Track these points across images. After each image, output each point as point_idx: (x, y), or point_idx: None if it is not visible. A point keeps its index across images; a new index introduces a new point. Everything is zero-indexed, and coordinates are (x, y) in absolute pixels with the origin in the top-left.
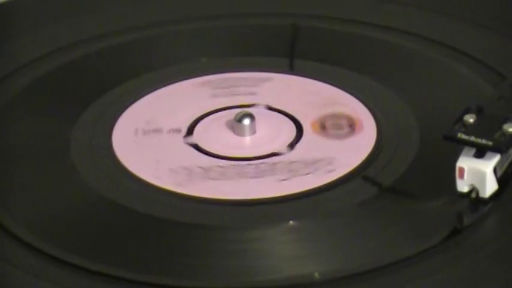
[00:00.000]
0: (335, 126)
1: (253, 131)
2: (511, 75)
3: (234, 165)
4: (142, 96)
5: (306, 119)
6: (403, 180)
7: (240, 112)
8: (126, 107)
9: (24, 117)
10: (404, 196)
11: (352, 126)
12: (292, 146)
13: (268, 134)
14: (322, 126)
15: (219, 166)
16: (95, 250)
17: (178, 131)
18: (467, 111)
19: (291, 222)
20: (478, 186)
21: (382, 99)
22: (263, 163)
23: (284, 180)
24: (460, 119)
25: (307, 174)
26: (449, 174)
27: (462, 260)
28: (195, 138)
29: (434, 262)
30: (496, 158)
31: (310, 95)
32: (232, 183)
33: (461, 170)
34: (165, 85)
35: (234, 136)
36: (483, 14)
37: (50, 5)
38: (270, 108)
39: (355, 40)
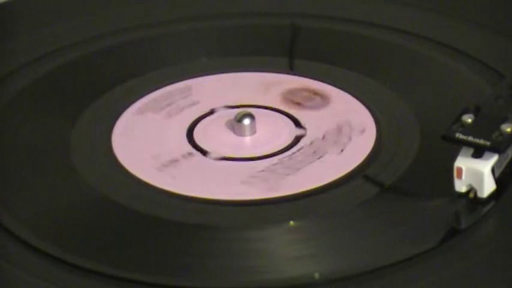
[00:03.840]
0: (305, 98)
1: (253, 131)
2: (510, 75)
3: (285, 157)
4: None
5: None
6: (403, 180)
7: (240, 112)
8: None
9: (24, 117)
10: (404, 196)
11: (317, 95)
12: (301, 127)
13: (270, 131)
14: (297, 103)
15: (275, 164)
16: (95, 250)
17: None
18: (466, 111)
19: (291, 222)
20: (476, 186)
21: (382, 99)
22: (302, 147)
23: (342, 151)
24: (458, 119)
25: (350, 139)
26: (449, 174)
27: (461, 260)
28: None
29: (433, 262)
30: (494, 158)
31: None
32: (306, 171)
33: (459, 170)
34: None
35: (236, 137)
36: (483, 14)
37: (50, 5)
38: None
39: (355, 40)
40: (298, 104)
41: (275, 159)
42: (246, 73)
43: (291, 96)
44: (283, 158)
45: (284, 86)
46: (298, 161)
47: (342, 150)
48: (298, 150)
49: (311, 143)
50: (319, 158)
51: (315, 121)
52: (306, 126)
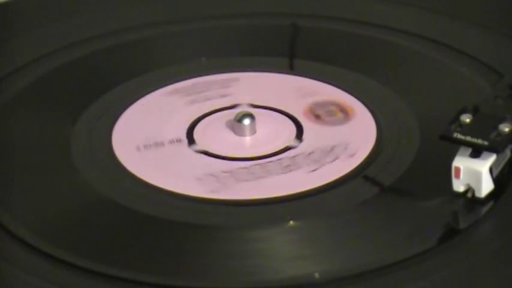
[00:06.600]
0: (328, 113)
1: (253, 131)
2: (509, 75)
3: (257, 164)
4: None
5: (301, 115)
6: (403, 180)
7: (240, 112)
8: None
9: (24, 117)
10: (404, 196)
11: (344, 111)
12: (299, 138)
13: (269, 132)
14: (316, 116)
15: (242, 168)
16: (95, 250)
17: (178, 134)
18: (464, 110)
19: (291, 222)
20: (474, 186)
21: (382, 99)
22: (282, 158)
23: (314, 170)
24: (457, 118)
25: (333, 160)
26: (449, 174)
27: (460, 260)
28: (198, 142)
29: (432, 262)
30: (492, 158)
31: (309, 95)
32: (266, 181)
33: (457, 170)
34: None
35: (235, 136)
36: (483, 14)
37: (50, 5)
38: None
39: (355, 40)
40: (318, 117)
41: (291, 153)
42: (314, 81)
43: (316, 108)
44: (298, 151)
45: (321, 97)
46: (314, 153)
47: (341, 153)
48: (293, 156)
49: (310, 148)
50: (315, 162)
51: (315, 124)
52: (305, 129)
